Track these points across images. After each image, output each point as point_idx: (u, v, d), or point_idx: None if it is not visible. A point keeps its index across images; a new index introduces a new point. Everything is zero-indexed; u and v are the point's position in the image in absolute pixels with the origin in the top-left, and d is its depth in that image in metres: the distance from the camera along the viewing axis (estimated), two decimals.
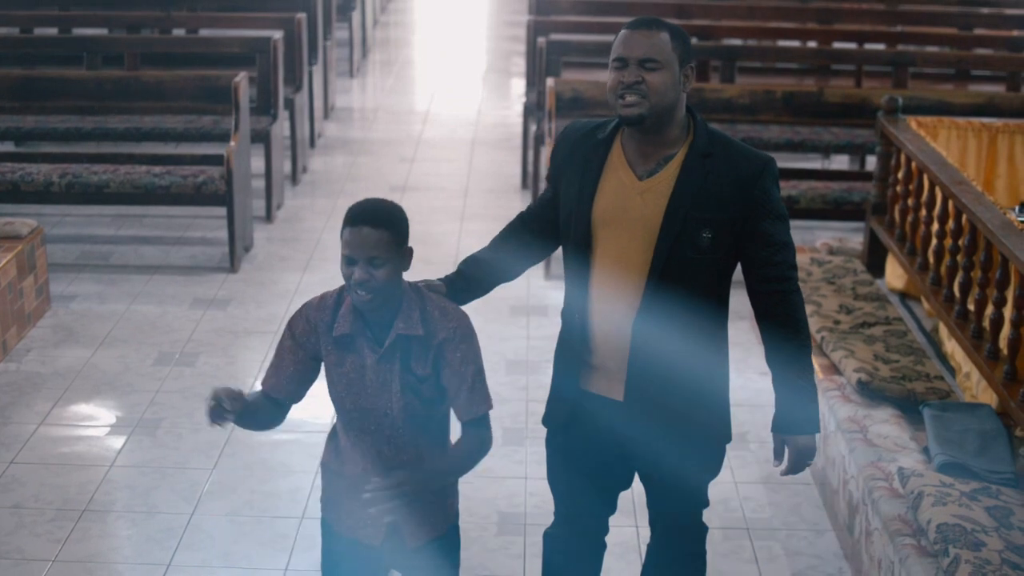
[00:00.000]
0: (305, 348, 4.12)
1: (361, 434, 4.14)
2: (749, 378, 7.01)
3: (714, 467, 4.26)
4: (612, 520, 4.45)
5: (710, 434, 4.17)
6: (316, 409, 6.63)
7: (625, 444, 4.15)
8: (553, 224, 4.20)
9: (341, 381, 4.10)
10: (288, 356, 4.12)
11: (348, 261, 3.93)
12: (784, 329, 4.01)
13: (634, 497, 5.26)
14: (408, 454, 4.14)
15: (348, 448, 4.19)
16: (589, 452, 4.22)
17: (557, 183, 4.17)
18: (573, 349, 4.15)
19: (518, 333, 7.60)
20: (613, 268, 3.99)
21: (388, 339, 4.02)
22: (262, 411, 4.11)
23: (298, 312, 4.14)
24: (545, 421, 4.34)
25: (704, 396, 4.10)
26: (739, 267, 4.06)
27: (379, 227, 3.92)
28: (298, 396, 4.16)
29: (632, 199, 3.95)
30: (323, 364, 4.14)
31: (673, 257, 3.91)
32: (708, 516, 4.46)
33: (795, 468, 4.10)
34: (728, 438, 4.23)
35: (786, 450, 4.09)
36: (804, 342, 4.03)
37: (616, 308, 4.00)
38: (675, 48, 3.91)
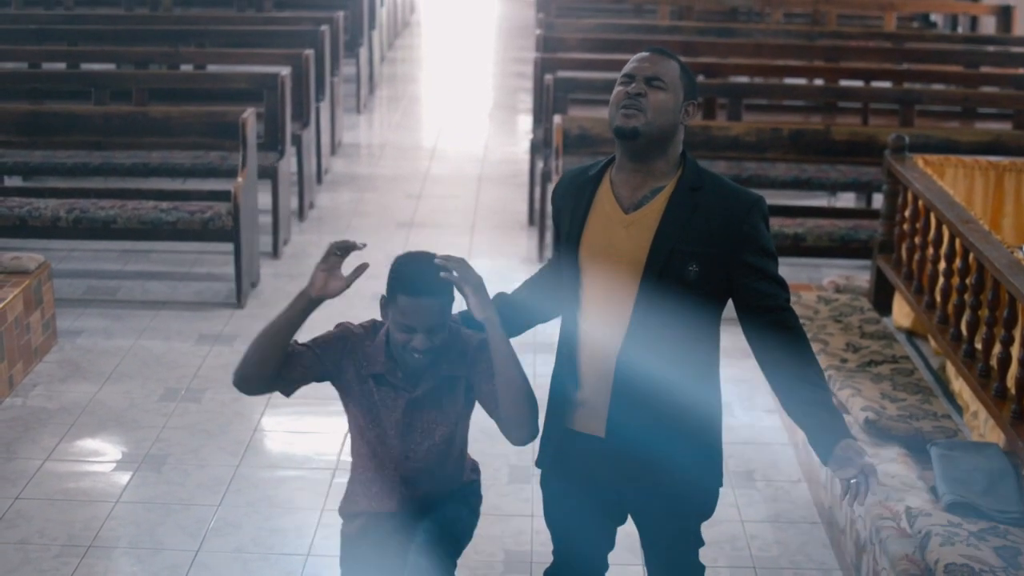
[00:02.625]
0: (327, 363, 4.19)
1: (380, 467, 4.23)
2: (756, 416, 7.01)
3: (704, 510, 4.22)
4: (618, 558, 4.43)
5: (697, 476, 4.12)
6: (321, 447, 6.63)
7: (612, 482, 4.13)
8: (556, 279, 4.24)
9: (367, 416, 4.19)
10: (313, 357, 4.19)
11: (405, 328, 4.04)
12: (804, 368, 3.92)
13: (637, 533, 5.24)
14: (422, 490, 4.28)
15: (372, 478, 4.30)
16: (581, 491, 4.20)
17: (559, 226, 4.19)
18: (563, 388, 4.15)
19: (525, 371, 7.57)
20: (600, 302, 3.99)
21: (426, 383, 4.13)
22: (284, 343, 4.13)
23: (341, 335, 4.23)
24: (537, 463, 4.33)
25: (690, 436, 4.06)
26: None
27: (439, 295, 4.05)
28: (291, 379, 4.19)
29: (617, 232, 3.95)
30: (345, 392, 4.21)
31: (659, 291, 3.89)
32: (714, 555, 4.45)
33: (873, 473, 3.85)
34: (719, 482, 4.20)
35: (854, 464, 3.79)
36: (821, 374, 3.96)
37: (602, 343, 3.99)
38: (682, 79, 3.97)
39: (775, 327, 3.93)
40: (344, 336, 4.23)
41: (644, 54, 4.00)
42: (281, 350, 4.10)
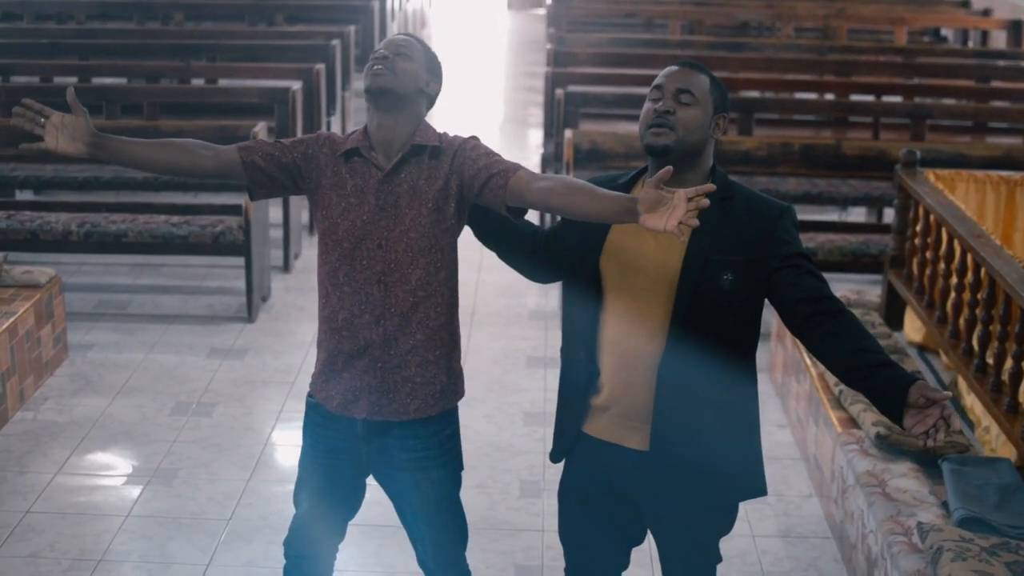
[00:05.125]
0: (293, 157, 4.13)
1: (351, 273, 4.09)
2: (767, 430, 6.99)
3: (729, 523, 4.23)
4: (628, 572, 4.42)
5: (732, 489, 4.13)
6: None
7: (640, 497, 4.11)
8: (544, 249, 4.23)
9: (340, 205, 4.07)
10: (282, 148, 4.14)
11: (374, 56, 4.07)
12: (863, 340, 3.80)
13: (650, 550, 5.23)
14: (399, 298, 4.08)
15: (337, 304, 4.15)
16: (601, 504, 4.18)
17: (567, 221, 4.14)
18: (578, 388, 4.13)
19: (535, 385, 7.59)
20: (628, 312, 3.96)
21: (400, 153, 4.05)
22: (150, 152, 4.15)
23: (317, 133, 4.21)
24: (553, 457, 4.31)
25: (734, 448, 4.06)
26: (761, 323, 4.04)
27: (414, 40, 4.15)
28: (254, 167, 4.12)
29: (646, 241, 3.94)
30: (320, 187, 4.12)
31: (696, 301, 3.88)
32: (725, 570, 4.44)
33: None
34: (762, 490, 4.19)
35: (931, 415, 3.57)
36: (878, 344, 3.82)
37: (635, 354, 3.97)
38: (712, 92, 3.95)
39: (825, 316, 3.84)
40: (318, 133, 4.22)
41: (673, 68, 3.98)
42: (167, 154, 4.14)
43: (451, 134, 4.19)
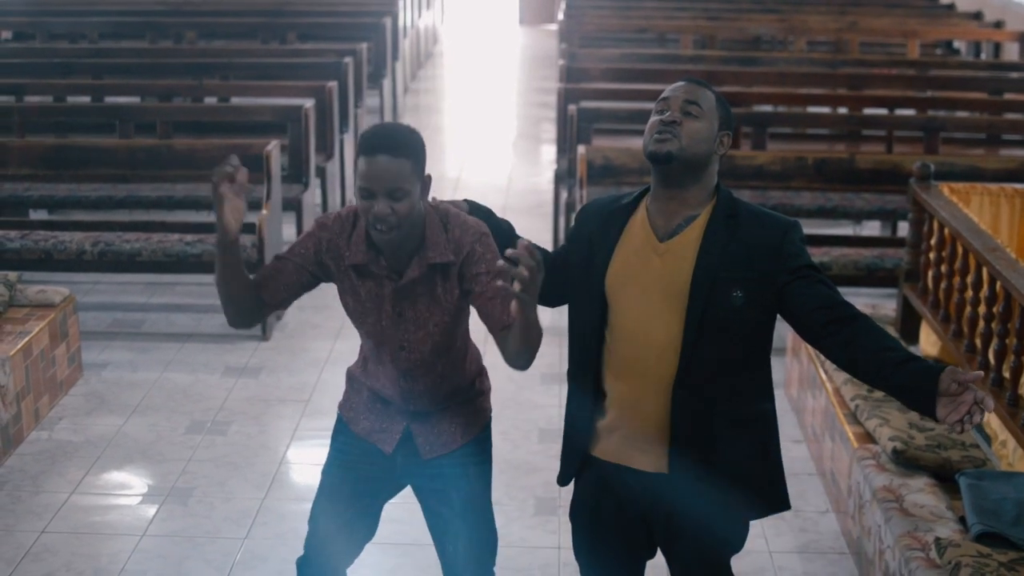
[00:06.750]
0: (310, 267, 4.07)
1: (377, 364, 4.15)
2: (783, 446, 6.94)
3: (739, 540, 4.21)
4: None
5: (755, 506, 4.12)
6: None
7: (652, 517, 4.10)
8: (548, 272, 4.16)
9: (358, 309, 4.08)
10: (298, 269, 4.06)
11: (365, 194, 3.82)
12: (884, 340, 3.75)
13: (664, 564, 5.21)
14: (426, 384, 4.15)
15: (373, 365, 4.22)
16: (612, 523, 4.17)
17: (572, 243, 4.15)
18: (584, 411, 4.12)
19: (550, 402, 7.58)
20: (635, 331, 3.95)
21: (411, 270, 3.96)
22: (241, 278, 3.97)
23: (315, 232, 4.06)
24: (561, 480, 4.31)
25: (755, 465, 4.05)
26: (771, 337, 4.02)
27: (398, 156, 3.81)
28: (280, 301, 4.11)
29: (651, 260, 3.93)
30: (337, 286, 4.11)
31: (706, 320, 3.86)
32: None
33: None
34: (786, 504, 4.18)
35: (964, 402, 3.47)
36: (898, 340, 3.79)
37: (644, 375, 3.95)
38: (718, 108, 3.96)
39: (840, 322, 3.81)
40: (318, 235, 4.06)
41: (680, 83, 3.98)
42: (243, 287, 3.98)
43: (453, 213, 4.07)
